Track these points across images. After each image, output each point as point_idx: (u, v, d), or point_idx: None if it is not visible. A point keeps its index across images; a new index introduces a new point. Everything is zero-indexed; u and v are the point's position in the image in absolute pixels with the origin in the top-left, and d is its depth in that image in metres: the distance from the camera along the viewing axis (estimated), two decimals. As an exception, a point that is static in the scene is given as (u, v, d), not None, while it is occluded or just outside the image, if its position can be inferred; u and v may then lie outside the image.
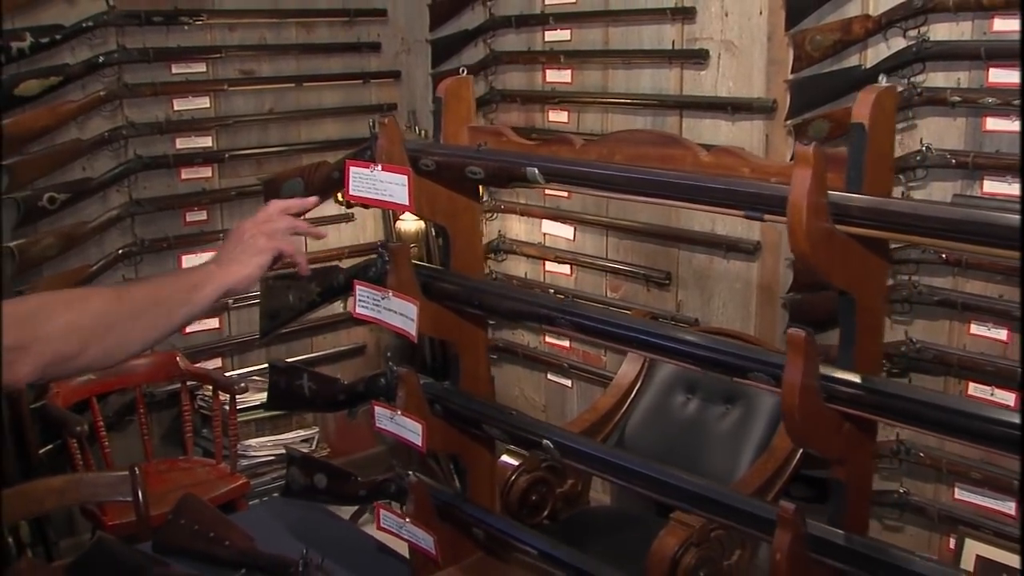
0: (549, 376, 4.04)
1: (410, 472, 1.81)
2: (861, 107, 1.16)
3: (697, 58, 3.22)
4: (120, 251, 3.55)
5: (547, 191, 3.78)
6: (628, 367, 3.29)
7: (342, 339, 4.23)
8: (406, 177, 1.58)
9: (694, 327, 3.31)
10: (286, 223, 1.56)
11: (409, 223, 4.02)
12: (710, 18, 3.18)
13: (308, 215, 1.64)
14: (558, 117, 3.74)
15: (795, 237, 1.14)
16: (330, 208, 4.01)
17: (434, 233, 4.17)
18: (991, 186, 2.61)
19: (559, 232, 3.88)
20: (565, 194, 3.70)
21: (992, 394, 2.67)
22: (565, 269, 3.87)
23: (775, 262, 3.13)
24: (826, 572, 1.25)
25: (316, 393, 1.99)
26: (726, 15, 3.13)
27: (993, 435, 1.08)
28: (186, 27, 3.56)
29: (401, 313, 1.64)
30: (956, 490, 2.78)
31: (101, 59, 3.39)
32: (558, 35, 3.70)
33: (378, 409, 1.77)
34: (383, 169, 1.61)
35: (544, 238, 3.95)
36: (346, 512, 3.06)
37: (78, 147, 3.38)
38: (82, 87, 3.39)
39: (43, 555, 3.20)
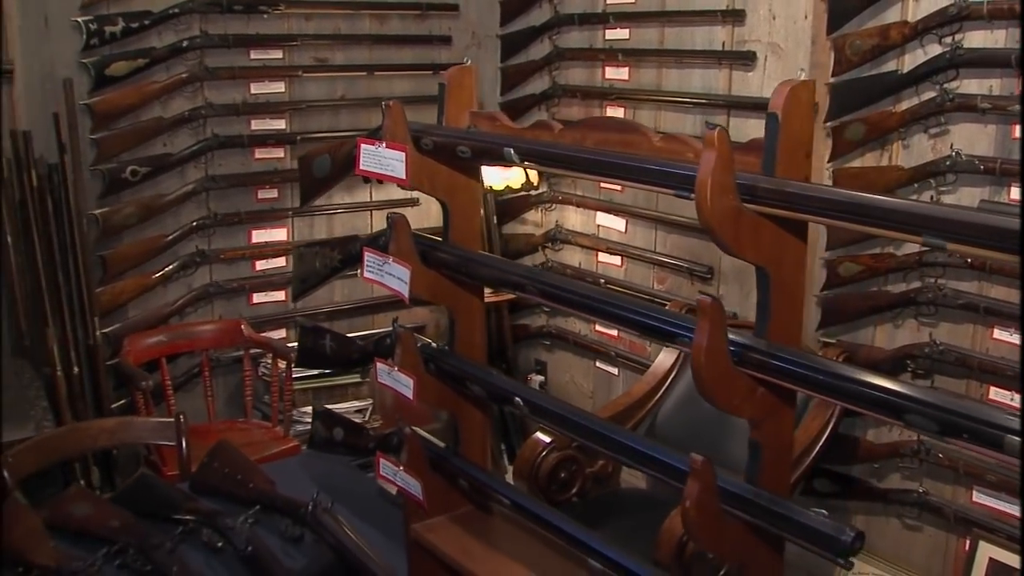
0: (598, 364, 4.15)
1: (409, 426, 1.97)
2: (777, 98, 1.25)
3: (745, 59, 3.29)
4: (195, 223, 3.75)
5: (602, 185, 3.89)
6: (666, 356, 3.39)
7: (403, 318, 4.36)
8: (404, 153, 1.74)
9: (731, 321, 3.39)
10: None
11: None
12: (758, 21, 3.25)
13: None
14: (615, 113, 3.81)
15: (702, 212, 1.23)
16: (396, 192, 4.13)
17: (495, 220, 4.33)
18: (1018, 193, 2.64)
19: (612, 224, 3.98)
20: (619, 187, 3.79)
21: (1012, 399, 2.69)
22: (616, 260, 3.98)
23: (810, 261, 3.19)
24: (737, 524, 1.36)
25: (336, 351, 2.17)
26: (773, 18, 3.20)
27: (876, 400, 1.18)
28: (265, 16, 3.75)
29: (398, 277, 1.81)
30: (974, 493, 2.82)
31: (185, 43, 3.60)
32: (617, 33, 3.80)
33: (380, 365, 1.93)
34: (387, 146, 1.77)
35: (598, 229, 4.06)
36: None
37: (160, 124, 3.60)
38: (166, 69, 3.60)
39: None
